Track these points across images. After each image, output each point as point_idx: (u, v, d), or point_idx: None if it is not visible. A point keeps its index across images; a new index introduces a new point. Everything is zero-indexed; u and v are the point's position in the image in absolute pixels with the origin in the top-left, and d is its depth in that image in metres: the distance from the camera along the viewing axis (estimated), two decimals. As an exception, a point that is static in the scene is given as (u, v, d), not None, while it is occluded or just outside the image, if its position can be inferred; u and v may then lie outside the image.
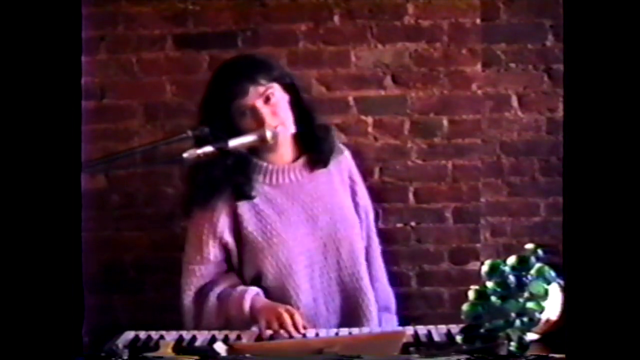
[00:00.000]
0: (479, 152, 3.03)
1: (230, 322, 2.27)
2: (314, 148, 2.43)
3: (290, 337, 2.15)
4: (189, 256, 2.44)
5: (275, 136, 2.30)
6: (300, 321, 2.19)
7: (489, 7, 2.99)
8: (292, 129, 2.38)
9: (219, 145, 2.17)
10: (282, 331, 2.16)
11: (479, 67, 3.01)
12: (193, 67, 3.03)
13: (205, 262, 2.41)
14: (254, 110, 2.31)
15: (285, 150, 2.41)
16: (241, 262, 2.40)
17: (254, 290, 2.33)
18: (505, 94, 3.02)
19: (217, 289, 2.37)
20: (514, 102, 3.02)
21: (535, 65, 3.00)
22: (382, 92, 3.02)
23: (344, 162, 2.48)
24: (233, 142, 2.22)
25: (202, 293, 2.39)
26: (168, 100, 3.04)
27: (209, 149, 2.15)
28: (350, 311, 2.38)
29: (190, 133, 2.20)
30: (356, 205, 2.47)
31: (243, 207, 2.38)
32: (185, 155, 2.10)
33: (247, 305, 2.28)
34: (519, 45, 3.00)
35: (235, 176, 2.37)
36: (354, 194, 2.48)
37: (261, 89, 2.33)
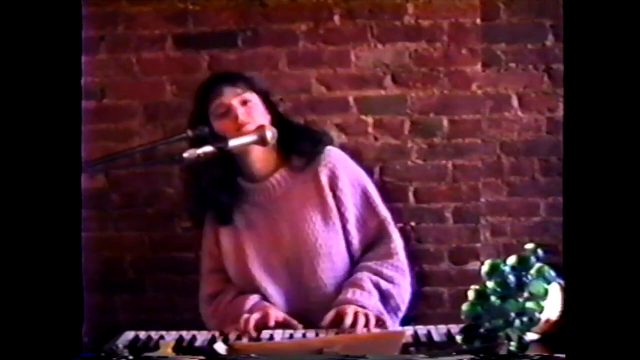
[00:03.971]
0: (479, 152, 3.03)
1: (234, 323, 2.30)
2: (293, 152, 2.45)
3: (291, 337, 2.16)
4: (201, 267, 2.57)
5: (275, 137, 2.30)
6: (270, 322, 2.25)
7: (489, 7, 2.98)
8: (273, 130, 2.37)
9: (219, 145, 2.17)
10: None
11: (479, 67, 3.00)
12: (193, 67, 3.03)
13: (210, 272, 2.52)
14: (230, 109, 2.36)
15: (263, 159, 2.43)
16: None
17: (256, 296, 2.40)
18: (505, 94, 3.02)
19: (228, 297, 2.45)
20: (514, 102, 3.02)
21: (535, 65, 3.00)
22: (382, 92, 3.02)
23: (326, 172, 2.44)
24: (233, 142, 2.22)
25: (215, 301, 2.47)
26: (168, 100, 3.04)
27: (209, 149, 2.15)
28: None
29: (190, 133, 2.21)
30: (341, 215, 2.44)
31: (224, 235, 2.47)
32: (185, 155, 2.10)
33: (246, 308, 2.34)
34: (519, 45, 2.99)
35: (219, 197, 2.43)
36: (339, 204, 2.44)
37: (239, 90, 2.39)
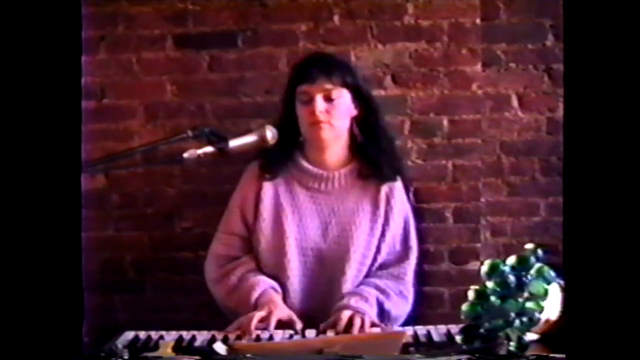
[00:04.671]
0: (479, 152, 3.03)
1: (239, 305, 2.30)
2: (367, 158, 2.47)
3: (291, 337, 2.16)
4: (221, 223, 2.55)
5: (275, 137, 2.30)
6: (271, 324, 2.24)
7: (489, 7, 2.98)
8: (341, 133, 2.44)
9: (219, 145, 2.17)
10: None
11: (479, 67, 3.00)
12: (193, 67, 3.02)
13: (229, 232, 2.51)
14: (312, 101, 2.39)
15: (334, 153, 2.46)
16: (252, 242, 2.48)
17: (266, 283, 2.39)
18: (505, 94, 3.01)
19: (241, 269, 2.43)
20: (514, 102, 3.02)
21: (535, 65, 3.00)
22: (382, 92, 3.01)
23: (386, 188, 2.49)
24: (233, 143, 2.22)
25: (227, 267, 2.46)
26: (168, 100, 3.04)
27: (209, 149, 2.15)
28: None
29: (190, 133, 2.20)
30: (382, 231, 2.47)
31: (266, 190, 2.47)
32: (185, 155, 2.10)
33: (253, 298, 2.35)
34: (519, 45, 2.99)
35: (275, 154, 2.43)
36: (385, 220, 2.48)
37: (329, 85, 2.41)
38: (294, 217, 2.44)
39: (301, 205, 2.46)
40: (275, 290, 2.39)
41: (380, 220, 2.47)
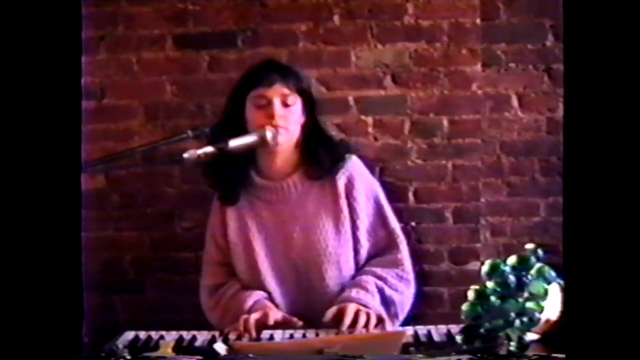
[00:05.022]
0: (479, 152, 3.03)
1: (235, 320, 2.30)
2: (312, 158, 2.44)
3: (291, 337, 2.16)
4: (204, 255, 2.56)
5: (275, 137, 2.30)
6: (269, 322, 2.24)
7: (489, 7, 2.98)
8: (293, 142, 2.40)
9: (219, 146, 2.18)
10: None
11: (479, 67, 3.00)
12: (193, 67, 3.02)
13: (211, 263, 2.51)
14: (269, 104, 2.35)
15: (284, 160, 2.43)
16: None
17: (258, 294, 2.40)
18: (505, 94, 3.02)
19: (230, 291, 2.44)
20: (514, 102, 3.02)
21: (535, 65, 3.00)
22: (382, 92, 3.02)
23: (343, 180, 2.44)
24: (233, 143, 2.22)
25: (217, 293, 2.47)
26: (168, 100, 3.04)
27: (209, 149, 2.15)
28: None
29: (190, 133, 2.20)
30: (353, 223, 2.44)
31: (230, 215, 2.46)
32: (185, 155, 2.10)
33: (247, 306, 2.35)
34: (519, 45, 2.99)
35: (226, 178, 2.43)
36: (352, 212, 2.44)
37: (286, 90, 2.37)
38: (260, 235, 2.43)
39: (264, 220, 2.44)
40: (267, 299, 2.39)
41: (345, 213, 2.43)
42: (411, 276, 2.47)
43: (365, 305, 2.30)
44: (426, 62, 3.01)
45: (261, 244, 2.43)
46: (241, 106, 2.39)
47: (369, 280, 2.39)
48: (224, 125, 2.39)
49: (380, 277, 2.40)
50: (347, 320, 2.23)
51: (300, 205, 2.43)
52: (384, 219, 2.49)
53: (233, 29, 3.01)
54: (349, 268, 2.43)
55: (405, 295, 2.44)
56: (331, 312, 2.27)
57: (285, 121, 2.35)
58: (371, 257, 2.47)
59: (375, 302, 2.35)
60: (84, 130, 1.70)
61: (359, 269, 2.45)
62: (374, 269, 2.43)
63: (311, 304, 2.39)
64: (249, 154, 2.41)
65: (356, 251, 2.45)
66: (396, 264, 2.45)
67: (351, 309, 2.27)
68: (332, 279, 2.41)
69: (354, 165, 2.49)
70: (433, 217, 3.05)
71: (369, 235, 2.46)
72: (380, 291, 2.38)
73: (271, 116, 2.33)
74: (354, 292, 2.34)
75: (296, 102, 2.39)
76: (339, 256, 2.41)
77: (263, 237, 2.44)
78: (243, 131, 2.35)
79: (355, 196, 2.45)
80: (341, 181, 2.44)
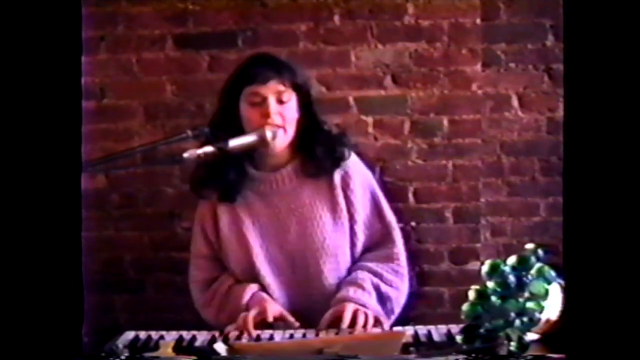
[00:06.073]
0: (479, 152, 3.03)
1: (232, 315, 2.29)
2: (308, 154, 2.41)
3: (291, 337, 2.16)
4: (191, 248, 2.51)
5: (275, 136, 2.30)
6: (268, 318, 2.24)
7: (489, 7, 2.99)
8: (290, 136, 2.37)
9: (219, 145, 2.17)
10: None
11: (479, 67, 3.01)
12: (193, 67, 3.03)
13: (201, 256, 2.47)
14: (264, 102, 2.32)
15: (279, 153, 2.40)
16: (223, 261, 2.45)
17: (253, 287, 2.38)
18: (505, 94, 3.02)
19: (224, 286, 2.42)
20: (514, 102, 3.02)
21: (535, 65, 3.00)
22: (382, 92, 3.02)
23: (339, 172, 2.42)
24: (233, 142, 2.22)
25: (210, 288, 2.44)
26: (168, 100, 3.04)
27: (209, 149, 2.15)
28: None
29: (190, 133, 2.20)
30: (350, 216, 2.42)
31: (222, 208, 2.43)
32: (185, 155, 2.10)
33: (244, 301, 2.34)
34: (519, 45, 3.00)
35: (224, 177, 2.39)
36: (349, 204, 2.43)
37: (281, 87, 2.34)
38: (254, 227, 2.40)
39: (259, 213, 2.41)
40: (263, 292, 2.38)
41: (342, 206, 2.41)
42: (406, 271, 2.45)
43: (363, 305, 2.30)
44: (426, 62, 3.01)
45: (255, 237, 2.40)
46: (235, 102, 2.36)
47: (365, 278, 2.37)
48: (218, 122, 2.36)
49: (375, 273, 2.39)
50: (346, 320, 2.23)
51: (295, 197, 2.41)
52: (380, 211, 2.47)
53: (233, 29, 3.01)
54: (345, 261, 2.42)
55: (400, 291, 2.43)
56: (328, 315, 2.27)
57: (281, 118, 2.33)
58: (366, 249, 2.46)
59: (372, 302, 2.34)
60: (84, 130, 1.70)
61: (355, 262, 2.44)
62: (369, 264, 2.42)
63: (308, 298, 2.39)
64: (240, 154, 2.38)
65: (353, 244, 2.43)
66: (392, 258, 2.43)
67: (349, 309, 2.26)
68: (330, 272, 2.40)
69: (351, 160, 2.47)
70: (433, 217, 3.05)
71: (365, 228, 2.44)
72: (377, 288, 2.37)
73: (266, 114, 2.30)
74: (351, 292, 2.33)
75: (291, 98, 2.35)
76: (336, 249, 2.40)
77: (257, 230, 2.41)
78: (238, 128, 2.32)
79: (352, 188, 2.43)
80: (337, 173, 2.42)
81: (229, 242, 2.42)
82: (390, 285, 2.40)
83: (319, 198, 2.42)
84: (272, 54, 2.61)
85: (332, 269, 2.40)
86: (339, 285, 2.39)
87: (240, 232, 2.41)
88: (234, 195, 2.42)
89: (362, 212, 2.44)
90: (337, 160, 2.42)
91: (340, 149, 2.44)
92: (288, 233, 2.40)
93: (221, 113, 2.40)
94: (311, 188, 2.42)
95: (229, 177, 2.40)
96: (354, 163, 2.47)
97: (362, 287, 2.35)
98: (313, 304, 2.37)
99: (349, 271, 2.42)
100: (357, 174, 2.46)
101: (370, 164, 2.75)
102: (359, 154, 2.53)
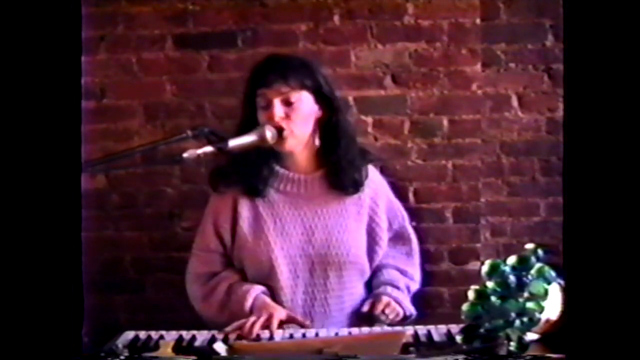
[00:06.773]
0: (479, 152, 3.03)
1: (233, 318, 2.28)
2: (334, 167, 2.41)
3: (291, 337, 2.16)
4: (196, 241, 2.49)
5: (276, 136, 2.30)
6: (274, 326, 2.22)
7: (489, 7, 2.99)
8: (305, 139, 2.37)
9: (219, 145, 2.17)
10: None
11: (479, 67, 3.01)
12: (193, 67, 3.03)
13: (207, 251, 2.44)
14: (269, 105, 2.31)
15: (302, 159, 2.40)
16: (233, 258, 2.43)
17: (257, 289, 2.36)
18: (505, 94, 3.02)
19: (225, 283, 2.40)
20: (514, 102, 3.02)
21: (535, 65, 3.00)
22: (382, 92, 3.02)
23: (369, 190, 2.45)
24: (233, 142, 2.21)
25: (210, 283, 2.42)
26: (168, 100, 3.04)
27: (209, 149, 2.15)
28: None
29: (190, 133, 2.20)
30: (375, 231, 2.46)
31: (243, 205, 2.40)
32: (185, 155, 2.10)
33: (248, 305, 2.32)
34: (519, 45, 3.00)
35: (257, 171, 2.38)
36: (375, 217, 2.47)
37: (285, 88, 2.32)
38: (276, 227, 2.38)
39: (282, 212, 2.40)
40: (266, 294, 2.37)
41: (365, 218, 2.44)
42: (419, 260, 2.58)
43: (399, 303, 2.38)
44: (426, 62, 3.01)
45: (276, 237, 2.37)
46: (253, 105, 2.36)
47: (399, 279, 2.46)
48: (242, 126, 2.33)
49: (403, 272, 2.49)
50: (380, 307, 2.32)
51: (323, 203, 2.41)
52: (395, 211, 2.55)
53: (233, 29, 3.01)
54: (365, 270, 2.46)
55: (417, 281, 2.55)
56: (368, 303, 2.35)
57: (289, 121, 2.31)
58: (391, 246, 2.52)
59: (407, 302, 2.43)
60: (84, 130, 1.70)
61: (375, 267, 2.49)
62: (395, 264, 2.50)
63: (323, 302, 2.39)
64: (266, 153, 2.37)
65: (375, 255, 2.47)
66: (411, 253, 2.54)
67: (384, 301, 2.35)
68: (350, 280, 2.42)
69: (373, 174, 2.50)
70: (433, 217, 3.05)
71: (385, 228, 2.50)
72: (408, 288, 2.47)
73: (271, 117, 2.30)
74: (388, 289, 2.41)
75: (301, 99, 2.33)
76: (358, 258, 2.42)
77: (279, 229, 2.38)
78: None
79: (378, 204, 2.48)
80: (365, 192, 2.45)
81: (247, 238, 2.39)
82: (413, 279, 2.51)
83: (345, 208, 2.43)
84: (283, 54, 2.59)
85: (353, 278, 2.42)
86: (373, 285, 2.46)
87: (260, 230, 2.38)
88: (263, 191, 2.39)
89: (384, 224, 2.49)
90: (361, 182, 2.44)
91: (364, 169, 2.46)
92: (312, 237, 2.39)
93: (243, 116, 2.38)
94: (339, 197, 2.43)
95: (262, 172, 2.38)
96: (373, 173, 2.52)
97: (398, 287, 2.43)
98: (327, 309, 2.37)
99: (375, 273, 2.48)
100: (380, 186, 2.52)
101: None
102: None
